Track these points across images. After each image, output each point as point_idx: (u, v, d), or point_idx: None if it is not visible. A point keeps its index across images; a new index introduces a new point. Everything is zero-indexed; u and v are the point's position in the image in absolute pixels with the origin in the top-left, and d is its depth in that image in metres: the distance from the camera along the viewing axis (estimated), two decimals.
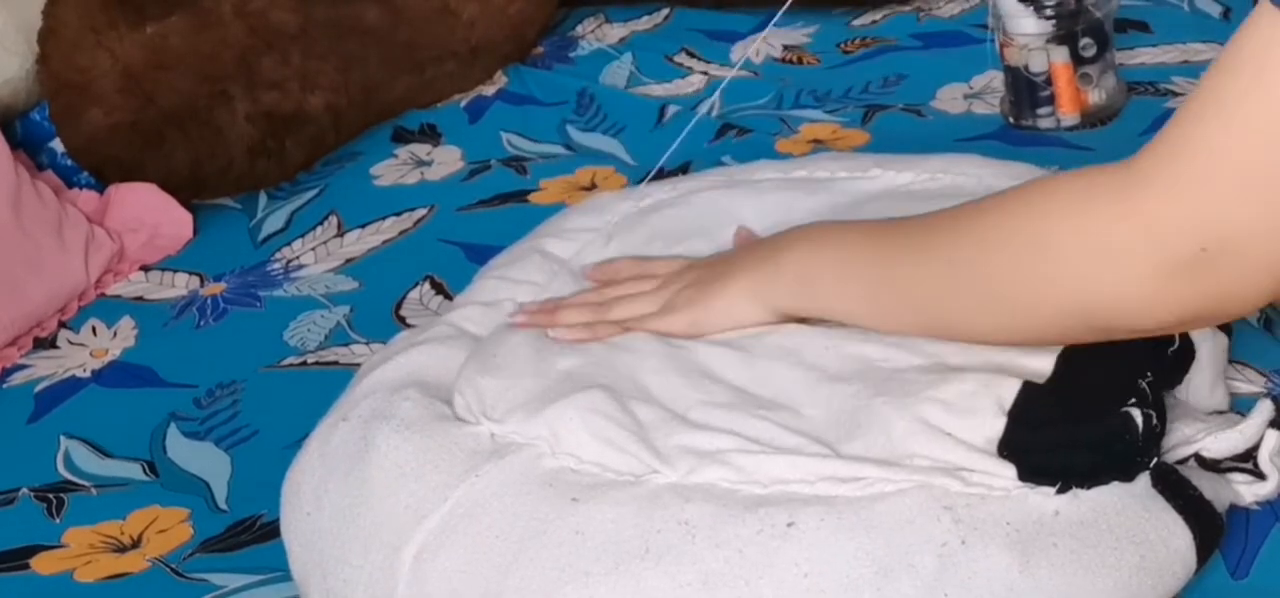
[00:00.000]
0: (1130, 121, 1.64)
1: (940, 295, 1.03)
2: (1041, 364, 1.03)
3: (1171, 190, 0.91)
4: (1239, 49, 0.88)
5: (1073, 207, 0.95)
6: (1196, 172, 0.90)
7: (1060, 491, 0.98)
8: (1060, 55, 1.62)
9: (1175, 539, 0.99)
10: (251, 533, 1.25)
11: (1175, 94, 1.67)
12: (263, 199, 1.78)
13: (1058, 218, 0.96)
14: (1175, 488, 1.00)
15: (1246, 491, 1.05)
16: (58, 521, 1.31)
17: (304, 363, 1.46)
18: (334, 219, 1.70)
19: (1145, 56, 1.76)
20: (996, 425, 1.00)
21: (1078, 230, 0.95)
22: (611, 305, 1.20)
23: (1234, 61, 0.89)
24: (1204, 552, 1.00)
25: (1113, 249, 0.93)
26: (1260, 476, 1.04)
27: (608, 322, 1.18)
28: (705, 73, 1.89)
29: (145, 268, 1.68)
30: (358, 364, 1.32)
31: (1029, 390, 1.02)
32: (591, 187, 1.68)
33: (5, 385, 1.51)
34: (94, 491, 1.34)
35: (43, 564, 1.26)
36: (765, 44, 1.94)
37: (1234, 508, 1.04)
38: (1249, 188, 0.89)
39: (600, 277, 1.26)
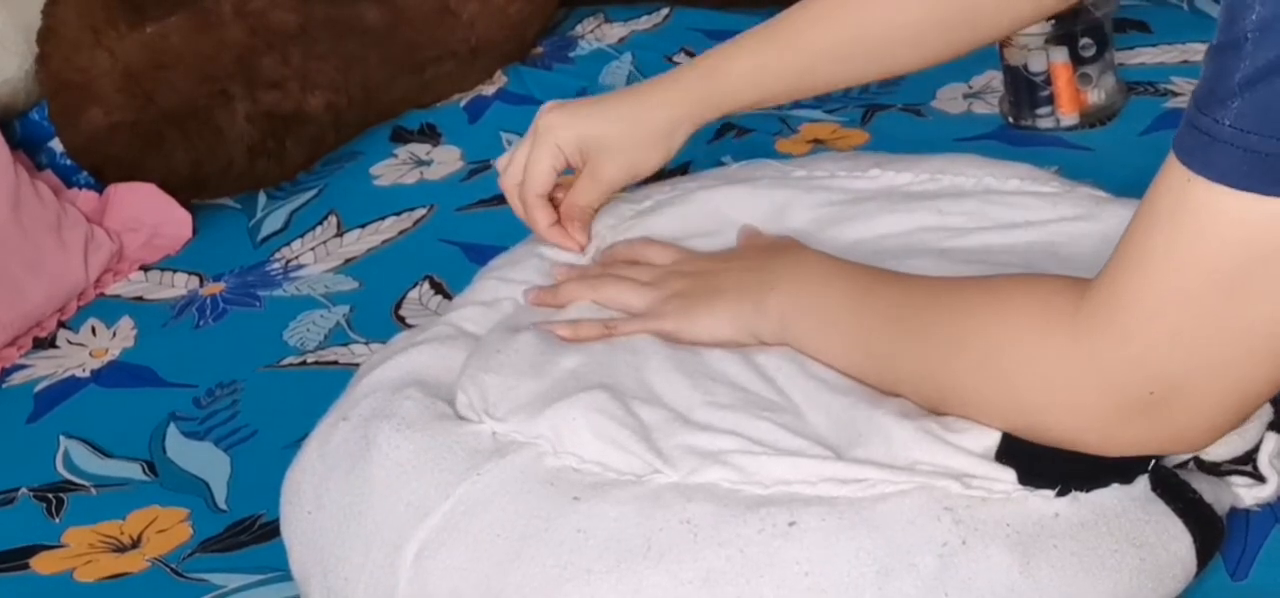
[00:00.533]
0: (1129, 121, 1.64)
1: (913, 378, 1.04)
2: None
3: (1117, 335, 0.92)
4: (1155, 202, 0.90)
5: (1030, 336, 0.97)
6: (1136, 319, 0.91)
7: (1060, 493, 0.98)
8: (1060, 55, 1.62)
9: (1175, 542, 0.98)
10: (251, 533, 1.25)
11: (1175, 94, 1.67)
12: (262, 199, 1.78)
13: (1016, 346, 0.97)
14: (1175, 491, 1.00)
15: (1246, 493, 1.04)
16: (57, 520, 1.31)
17: (304, 363, 1.46)
18: (333, 219, 1.70)
19: (1145, 56, 1.76)
20: (994, 436, 1.00)
21: (1034, 363, 0.96)
22: (603, 283, 1.21)
23: (1151, 214, 0.90)
24: (1204, 554, 1.00)
25: (1067, 386, 0.95)
26: (1260, 478, 1.04)
27: (595, 320, 1.19)
28: None
29: (145, 268, 1.68)
30: (357, 364, 1.32)
31: None
32: None
33: (5, 385, 1.51)
34: (94, 490, 1.34)
35: (42, 564, 1.26)
36: None
37: (1234, 511, 1.04)
38: (1184, 336, 0.90)
39: (607, 257, 1.27)
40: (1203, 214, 0.87)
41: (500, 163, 1.34)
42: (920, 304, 1.05)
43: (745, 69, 1.27)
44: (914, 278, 1.10)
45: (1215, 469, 1.04)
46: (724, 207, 1.30)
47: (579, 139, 1.28)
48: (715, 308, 1.15)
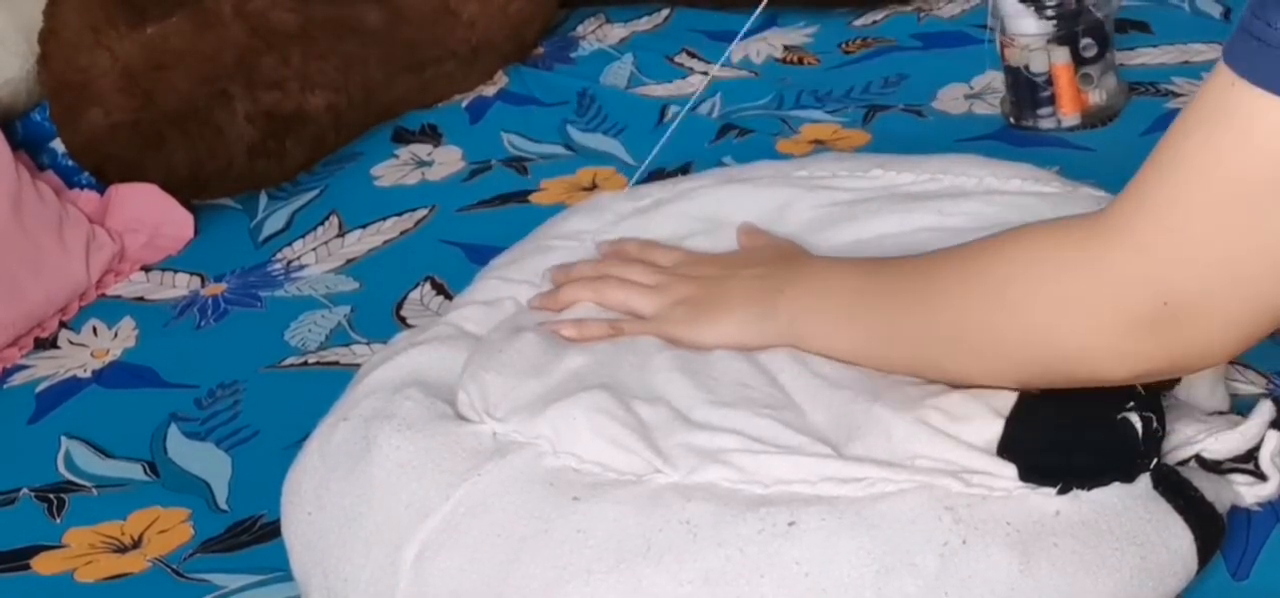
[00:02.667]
0: (1131, 122, 1.64)
1: (920, 343, 1.04)
2: None
3: (1133, 245, 0.92)
4: (1198, 106, 0.89)
5: (1038, 258, 0.96)
6: (1156, 228, 0.90)
7: (1061, 491, 0.98)
8: (1061, 56, 1.62)
9: (1176, 540, 0.99)
10: (252, 533, 1.25)
11: (1176, 95, 1.67)
12: (263, 199, 1.78)
13: (1023, 269, 0.97)
14: (1176, 489, 1.00)
15: (1247, 492, 1.04)
16: (58, 521, 1.31)
17: (305, 363, 1.46)
18: (335, 219, 1.70)
19: (1146, 57, 1.76)
20: (995, 428, 1.00)
21: (1042, 282, 0.96)
22: (607, 285, 1.21)
23: (1192, 118, 0.89)
24: (1205, 553, 1.00)
25: (1076, 302, 0.94)
26: (1261, 476, 1.04)
27: (599, 318, 1.18)
28: (706, 73, 1.89)
29: (146, 268, 1.68)
30: (358, 364, 1.32)
31: (1026, 398, 1.02)
32: (592, 187, 1.68)
33: (6, 386, 1.51)
34: (95, 491, 1.34)
35: (43, 564, 1.26)
36: (765, 44, 1.94)
37: (1235, 509, 1.04)
38: (1207, 246, 0.89)
39: (608, 252, 1.27)
40: (1243, 120, 0.86)
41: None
42: (925, 268, 1.05)
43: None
44: (915, 258, 1.09)
45: (1216, 468, 1.04)
46: (724, 206, 1.30)
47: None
48: (722, 318, 1.15)
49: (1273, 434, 1.04)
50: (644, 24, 2.04)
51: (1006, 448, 0.99)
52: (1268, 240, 0.87)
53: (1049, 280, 0.95)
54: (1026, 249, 0.98)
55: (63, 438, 1.41)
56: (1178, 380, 1.09)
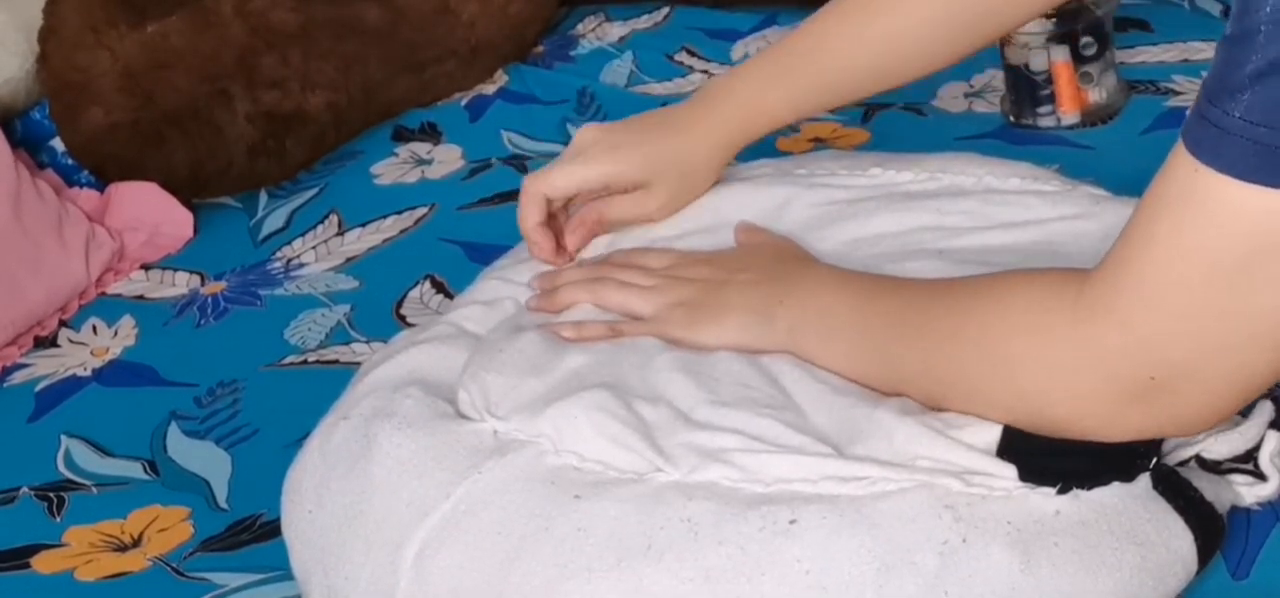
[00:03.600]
0: (1131, 120, 1.64)
1: (916, 380, 1.05)
2: None
3: (1116, 322, 0.93)
4: (1163, 187, 0.90)
5: (1029, 324, 0.97)
6: (1137, 306, 0.92)
7: (1061, 491, 0.98)
8: (1061, 54, 1.62)
9: (1176, 540, 0.99)
10: (252, 532, 1.25)
11: (1176, 93, 1.67)
12: (263, 198, 1.78)
13: (1015, 333, 0.98)
14: (1176, 489, 1.00)
15: (1247, 492, 1.04)
16: (58, 520, 1.31)
17: (304, 362, 1.46)
18: (334, 218, 1.70)
19: (1146, 55, 1.76)
20: (995, 431, 1.00)
21: (1035, 350, 0.97)
22: (604, 286, 1.21)
23: (1157, 202, 0.90)
24: (1205, 553, 1.00)
25: (1068, 372, 0.96)
26: (1261, 476, 1.04)
27: (599, 320, 1.18)
28: (706, 72, 1.89)
29: (146, 267, 1.69)
30: (358, 363, 1.32)
31: None
32: None
33: (6, 384, 1.51)
34: (94, 489, 1.34)
35: (43, 563, 1.26)
36: (765, 43, 1.94)
37: (1235, 509, 1.04)
38: (1186, 321, 0.91)
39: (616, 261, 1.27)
40: (1209, 204, 0.87)
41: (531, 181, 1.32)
42: (923, 304, 1.06)
43: (779, 97, 1.30)
44: (917, 282, 1.10)
45: (1216, 467, 1.04)
46: (724, 204, 1.30)
47: (620, 172, 1.28)
48: (721, 321, 1.15)
49: (1272, 434, 1.04)
50: (644, 22, 2.04)
51: (1007, 449, 0.99)
52: (1245, 313, 0.89)
53: (1039, 348, 0.97)
54: (1020, 312, 0.99)
55: (62, 437, 1.41)
56: None
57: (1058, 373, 0.96)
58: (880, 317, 1.08)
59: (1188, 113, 0.89)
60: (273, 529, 1.20)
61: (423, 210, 1.69)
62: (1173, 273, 0.90)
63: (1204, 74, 0.89)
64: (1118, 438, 0.97)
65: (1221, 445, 1.04)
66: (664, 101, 1.83)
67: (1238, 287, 0.88)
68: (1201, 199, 0.87)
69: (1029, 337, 0.97)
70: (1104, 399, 0.95)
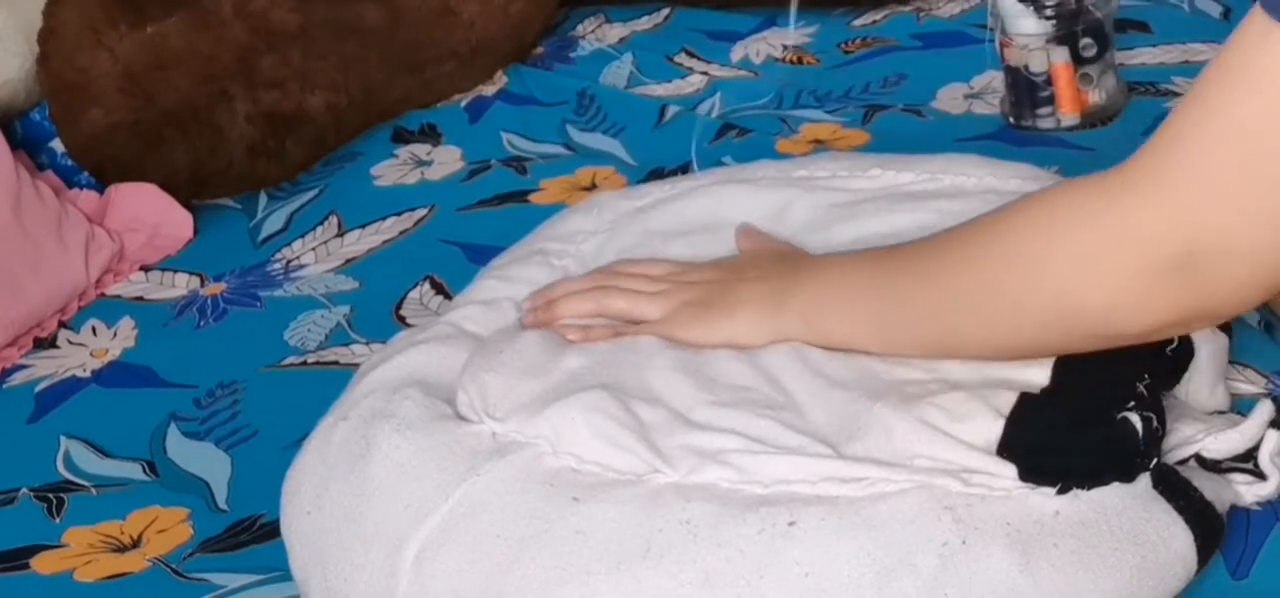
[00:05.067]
0: (1130, 122, 1.64)
1: (939, 315, 1.04)
2: (1038, 377, 1.04)
3: (1156, 193, 0.91)
4: (1229, 53, 0.89)
5: (1057, 215, 0.96)
6: (1181, 175, 0.90)
7: (1061, 491, 0.98)
8: (1060, 55, 1.62)
9: (1176, 540, 0.98)
10: (251, 533, 1.25)
11: (1175, 94, 1.67)
12: (263, 199, 1.78)
13: (1041, 228, 0.97)
14: (1176, 489, 1.00)
15: (1247, 491, 1.04)
16: (58, 520, 1.31)
17: (304, 363, 1.46)
18: (334, 219, 1.70)
19: (1145, 56, 1.76)
20: (995, 428, 1.00)
21: (1060, 239, 0.96)
22: (610, 296, 1.20)
23: (1222, 66, 0.89)
24: (1205, 552, 1.00)
25: (1098, 254, 0.94)
26: (1261, 476, 1.04)
27: (604, 323, 1.18)
28: (705, 73, 1.89)
29: (145, 268, 1.68)
30: (358, 364, 1.32)
31: (1026, 398, 1.02)
32: (592, 187, 1.68)
33: (5, 385, 1.51)
34: (94, 490, 1.34)
35: (43, 564, 1.26)
36: (765, 44, 1.94)
37: (1234, 509, 1.04)
38: (1231, 192, 0.89)
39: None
40: (1277, 66, 0.86)
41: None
42: (940, 243, 1.05)
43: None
44: (928, 237, 1.09)
45: (1216, 467, 1.04)
46: (724, 206, 1.30)
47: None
48: (734, 316, 1.14)
49: (1272, 434, 1.04)
50: (644, 23, 2.04)
51: (1006, 448, 0.99)
52: None
53: (1068, 236, 0.95)
54: (1044, 209, 0.97)
55: (62, 438, 1.41)
56: (1178, 380, 1.09)
57: (1088, 259, 0.94)
58: (895, 271, 1.07)
59: None
60: (272, 530, 1.20)
61: (422, 212, 1.69)
62: (1220, 140, 0.88)
63: None
64: (1147, 328, 0.96)
65: (1221, 445, 1.04)
66: (663, 103, 1.83)
67: None
68: (1271, 61, 0.86)
69: (1058, 227, 0.96)
70: (1138, 279, 0.93)
